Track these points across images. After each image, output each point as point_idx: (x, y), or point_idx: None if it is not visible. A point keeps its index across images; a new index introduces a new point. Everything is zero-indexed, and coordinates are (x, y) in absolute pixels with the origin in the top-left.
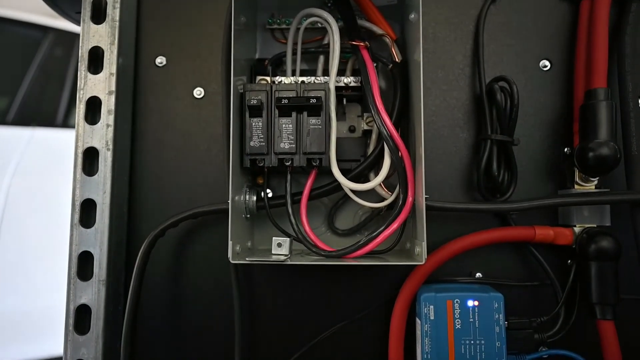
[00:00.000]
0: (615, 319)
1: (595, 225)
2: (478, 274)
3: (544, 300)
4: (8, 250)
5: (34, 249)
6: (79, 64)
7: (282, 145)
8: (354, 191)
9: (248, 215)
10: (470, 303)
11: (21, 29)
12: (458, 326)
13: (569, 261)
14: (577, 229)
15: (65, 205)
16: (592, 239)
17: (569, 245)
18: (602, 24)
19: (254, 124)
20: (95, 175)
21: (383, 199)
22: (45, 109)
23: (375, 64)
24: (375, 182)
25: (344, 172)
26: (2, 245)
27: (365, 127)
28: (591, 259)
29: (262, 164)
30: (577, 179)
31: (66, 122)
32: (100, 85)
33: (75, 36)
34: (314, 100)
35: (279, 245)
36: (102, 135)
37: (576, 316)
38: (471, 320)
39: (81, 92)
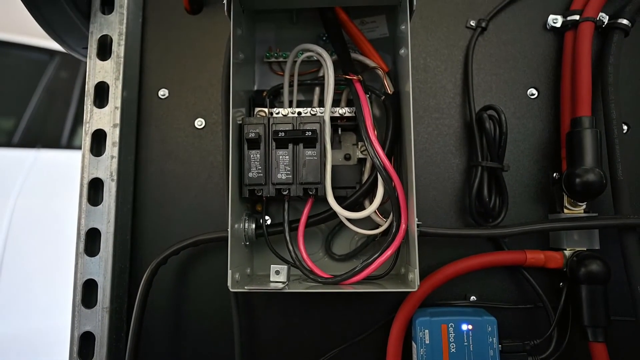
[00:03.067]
0: (607, 341)
1: (585, 249)
2: (472, 297)
3: (537, 322)
4: (12, 272)
5: (37, 270)
6: (85, 98)
7: (279, 175)
8: (349, 219)
9: (247, 243)
10: (464, 327)
11: (28, 52)
12: (453, 350)
13: (561, 284)
14: (567, 252)
15: (70, 226)
16: (582, 263)
17: (559, 269)
18: (585, 54)
19: (252, 155)
20: (100, 205)
21: (378, 225)
22: (50, 130)
23: (368, 95)
24: (369, 210)
25: (340, 200)
26: (7, 267)
27: (360, 155)
28: (582, 282)
29: (260, 194)
30: (566, 203)
31: (71, 143)
32: (105, 118)
33: (80, 59)
34: (310, 133)
35: (277, 272)
36: (106, 167)
37: (569, 338)
38: (466, 344)
39: (87, 125)
